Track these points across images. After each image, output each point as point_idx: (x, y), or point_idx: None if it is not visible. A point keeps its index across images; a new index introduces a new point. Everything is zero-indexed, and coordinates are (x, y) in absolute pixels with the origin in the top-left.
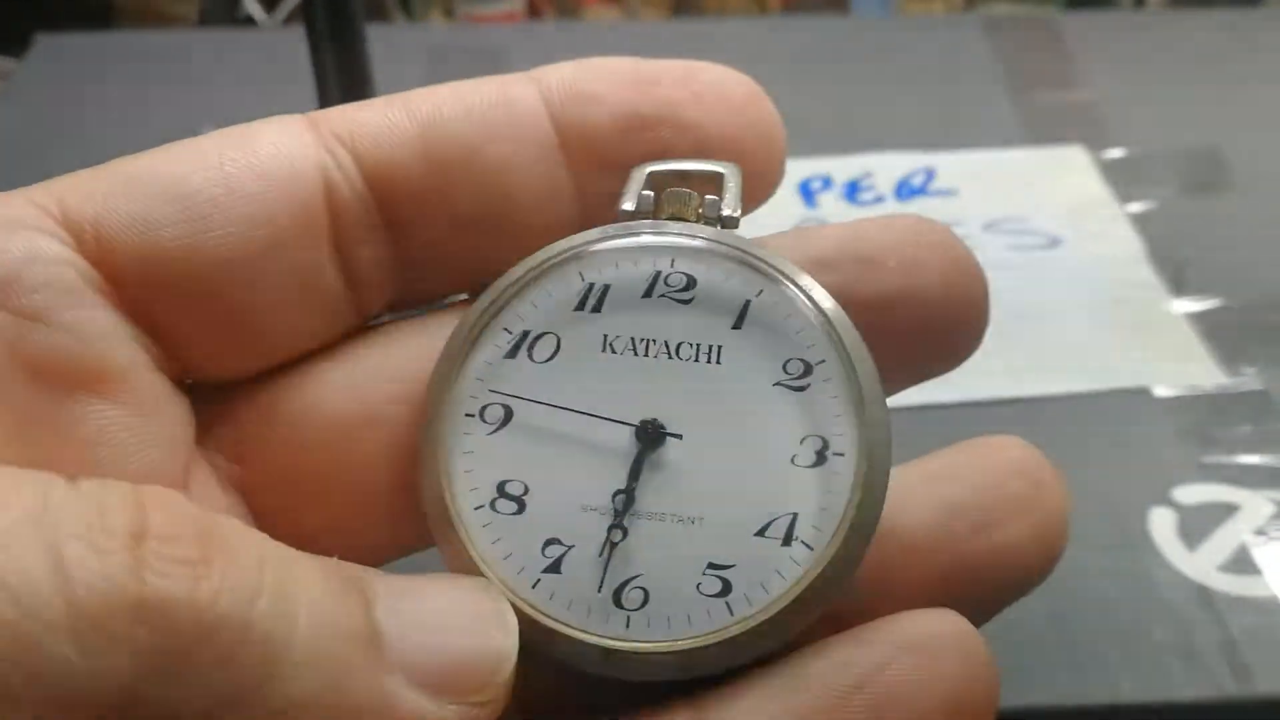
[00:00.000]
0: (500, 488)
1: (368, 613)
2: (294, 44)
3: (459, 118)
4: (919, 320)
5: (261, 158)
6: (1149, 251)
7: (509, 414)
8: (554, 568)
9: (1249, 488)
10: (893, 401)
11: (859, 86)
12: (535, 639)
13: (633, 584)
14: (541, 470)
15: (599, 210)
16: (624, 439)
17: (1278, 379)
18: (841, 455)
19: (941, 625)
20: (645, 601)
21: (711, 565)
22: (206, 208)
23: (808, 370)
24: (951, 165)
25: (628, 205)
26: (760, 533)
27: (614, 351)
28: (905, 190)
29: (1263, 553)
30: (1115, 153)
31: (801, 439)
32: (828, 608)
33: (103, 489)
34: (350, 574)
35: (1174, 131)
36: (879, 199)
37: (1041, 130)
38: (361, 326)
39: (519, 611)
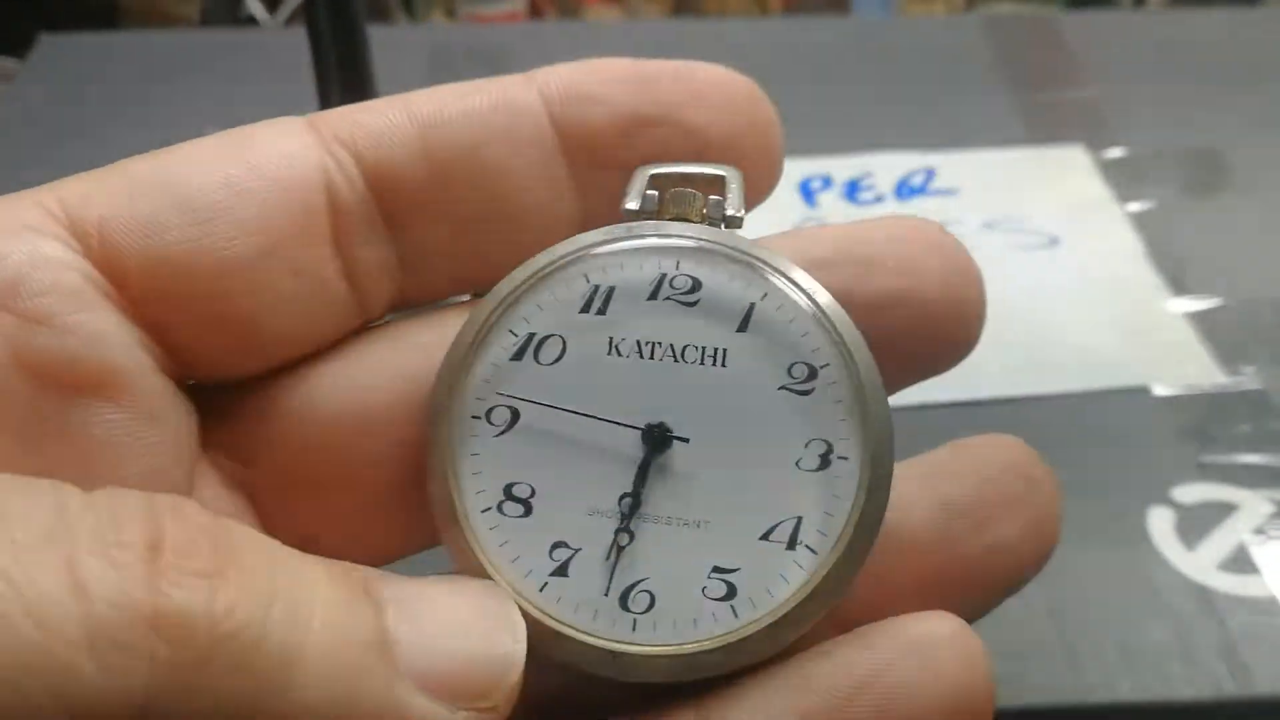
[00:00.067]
0: (507, 490)
1: (378, 618)
2: (296, 44)
3: (459, 119)
4: (917, 320)
5: (264, 160)
6: (1148, 251)
7: (515, 416)
8: (561, 571)
9: (1248, 487)
10: (892, 401)
11: (859, 86)
12: (542, 642)
13: (639, 587)
14: (548, 473)
15: (600, 210)
16: (630, 442)
17: (1276, 378)
18: (845, 459)
19: (941, 627)
20: (651, 605)
21: (717, 569)
22: (210, 211)
23: (812, 374)
24: (951, 165)
25: (632, 205)
26: (765, 536)
27: (620, 354)
28: (905, 190)
29: (1261, 552)
30: (1115, 152)
31: (806, 443)
32: (831, 610)
33: (116, 499)
34: (360, 579)
35: (1173, 131)
36: (879, 198)
37: (1041, 130)
38: (363, 327)
39: (526, 614)
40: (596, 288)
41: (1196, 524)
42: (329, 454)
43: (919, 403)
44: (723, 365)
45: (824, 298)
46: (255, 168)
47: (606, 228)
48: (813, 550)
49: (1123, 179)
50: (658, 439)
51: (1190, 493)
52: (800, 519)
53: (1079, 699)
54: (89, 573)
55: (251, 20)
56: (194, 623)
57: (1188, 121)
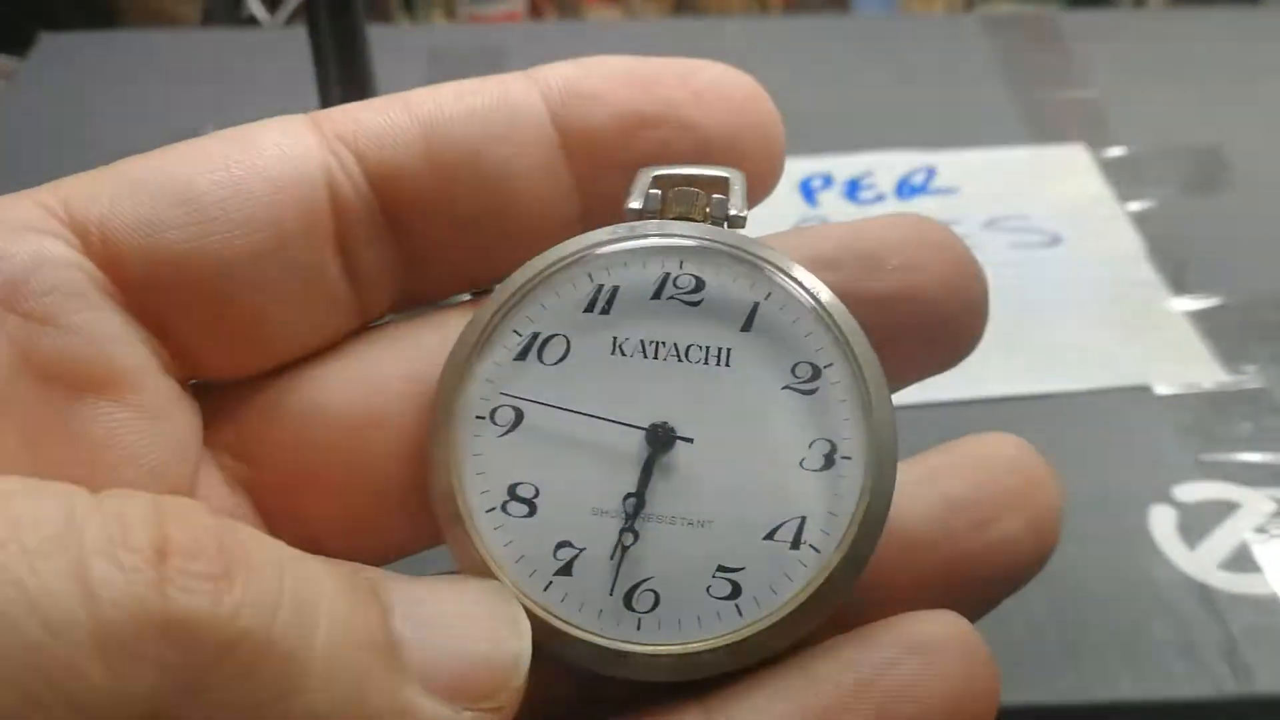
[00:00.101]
0: (511, 490)
1: (384, 620)
2: (296, 44)
3: (461, 118)
4: (919, 319)
5: (266, 159)
6: (1149, 250)
7: (519, 416)
8: (565, 570)
9: (1249, 485)
10: (894, 400)
11: (860, 85)
12: (547, 641)
13: (643, 587)
14: (552, 473)
15: (601, 209)
16: (634, 442)
17: (1278, 377)
18: (849, 459)
19: (944, 626)
20: (656, 604)
21: (721, 568)
22: (213, 210)
23: (816, 374)
24: (952, 164)
25: (635, 204)
26: (769, 536)
27: (624, 354)
28: (906, 189)
29: (1263, 550)
30: (1115, 151)
31: (810, 442)
32: (835, 610)
33: (124, 502)
34: (366, 579)
35: (1174, 130)
36: (880, 197)
37: (1042, 129)
38: (366, 326)
39: (531, 614)
40: (600, 287)
41: (1198, 522)
42: (331, 453)
43: (921, 402)
44: (726, 365)
45: (827, 296)
46: (258, 168)
47: (610, 227)
48: (817, 550)
49: (1123, 178)
50: (662, 439)
51: (1191, 491)
52: (804, 518)
53: (1080, 697)
54: (98, 577)
55: (252, 20)
56: (201, 627)
57: (1188, 120)
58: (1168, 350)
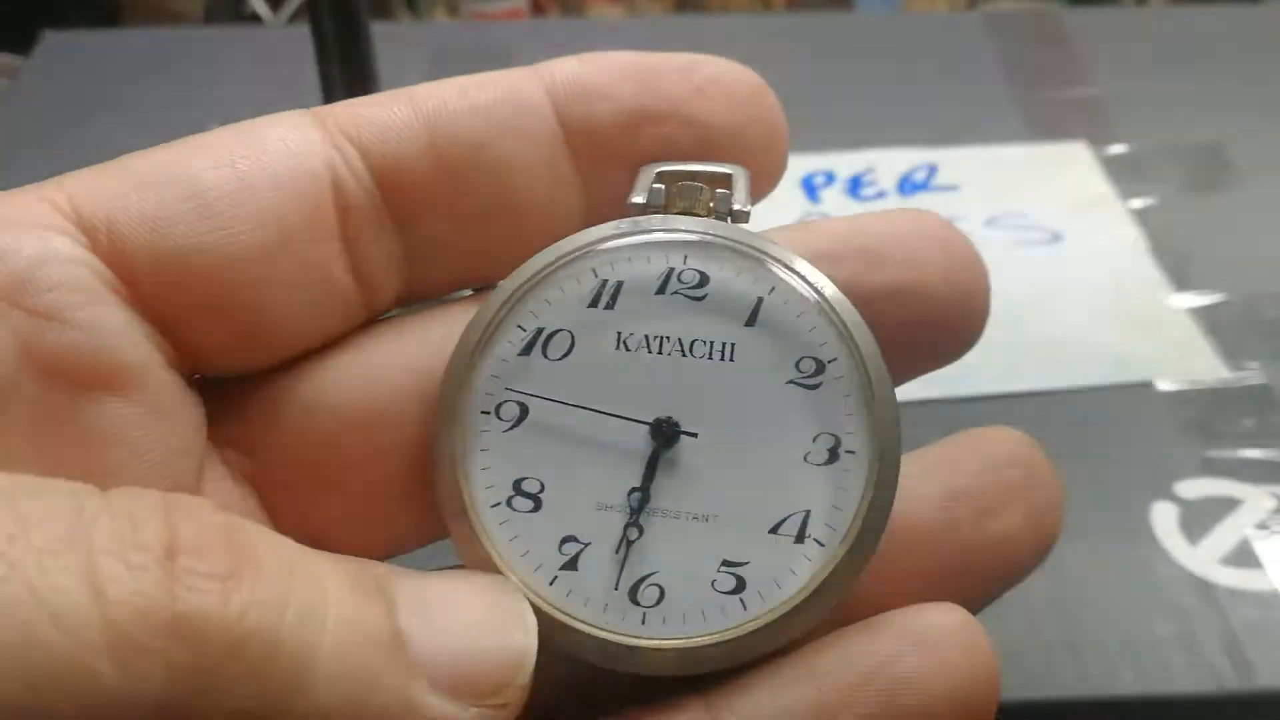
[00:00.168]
0: (517, 485)
1: (391, 617)
2: (299, 41)
3: (465, 113)
4: (921, 314)
5: (271, 155)
6: (1151, 246)
7: (524, 412)
8: (571, 565)
9: (1251, 482)
10: (897, 396)
11: (862, 82)
12: (552, 635)
13: (648, 581)
14: (557, 468)
15: (605, 204)
16: (639, 437)
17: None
18: (853, 453)
19: (946, 619)
20: (661, 598)
21: (726, 562)
22: (218, 205)
23: (820, 368)
24: (954, 161)
25: (638, 199)
26: (774, 530)
27: (628, 349)
28: (908, 185)
29: (1264, 547)
30: (1117, 148)
31: (814, 437)
32: (839, 603)
33: (133, 500)
34: (372, 576)
35: (1176, 127)
36: (881, 194)
37: (1044, 126)
38: (370, 321)
39: (536, 608)
40: (605, 282)
41: (1200, 519)
42: (336, 448)
43: (923, 398)
44: (731, 359)
45: (831, 291)
46: (263, 163)
47: (613, 222)
48: (821, 543)
49: (1125, 175)
50: (666, 433)
51: (1193, 487)
52: (808, 512)
53: (1082, 693)
54: (107, 575)
55: (255, 17)
56: (210, 626)
57: (1190, 117)
58: (1170, 347)
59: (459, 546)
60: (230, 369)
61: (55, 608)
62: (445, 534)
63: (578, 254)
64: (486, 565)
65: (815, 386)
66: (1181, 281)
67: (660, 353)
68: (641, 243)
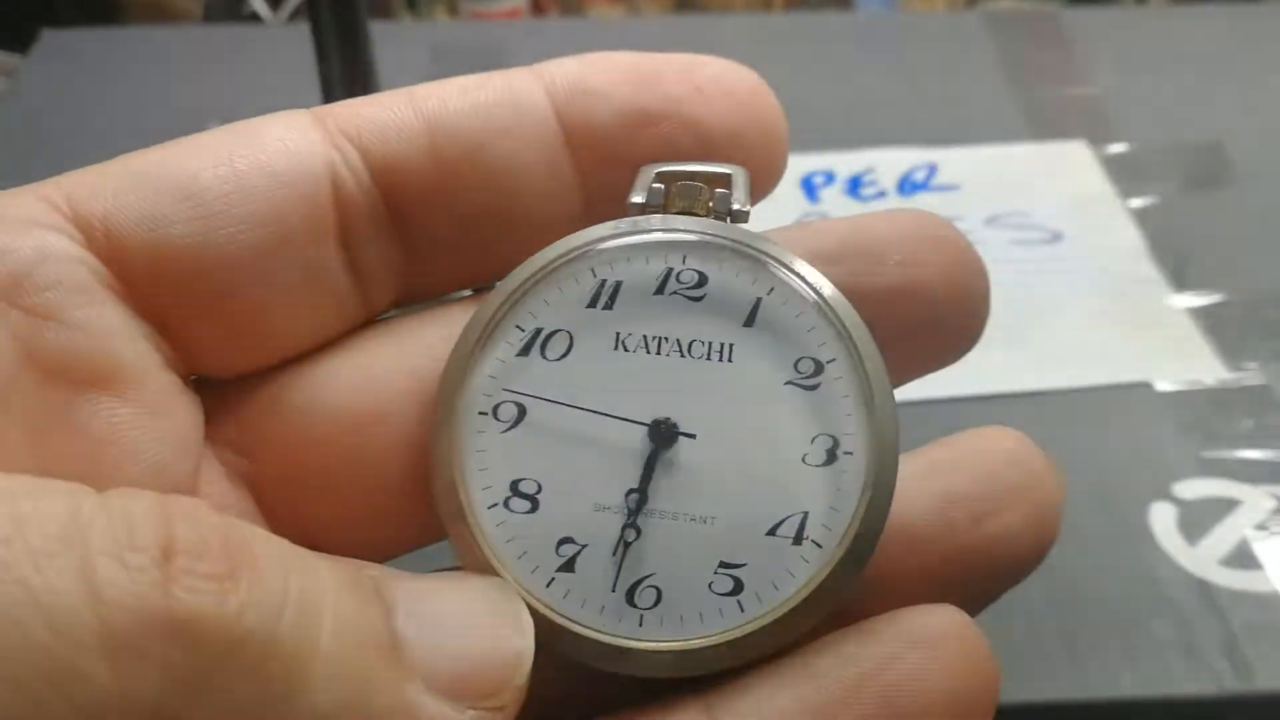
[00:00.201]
0: (514, 487)
1: (388, 619)
2: (299, 41)
3: (465, 113)
4: (920, 314)
5: (270, 154)
6: (1150, 246)
7: (522, 412)
8: (568, 567)
9: (1250, 482)
10: (896, 396)
11: (862, 82)
12: (549, 638)
13: (646, 583)
14: (555, 469)
15: (604, 204)
16: (637, 438)
17: (1278, 373)
18: (851, 454)
19: (945, 620)
20: (658, 600)
21: (723, 564)
22: (217, 205)
23: (819, 369)
24: (953, 160)
25: (637, 199)
26: (771, 532)
27: (626, 349)
28: (907, 185)
29: (1263, 547)
30: (1117, 148)
31: (812, 438)
32: (837, 605)
33: (130, 501)
34: (370, 578)
35: (1175, 126)
36: (881, 194)
37: (1043, 125)
38: (368, 322)
39: (533, 610)
40: (603, 282)
41: (1199, 519)
42: (333, 449)
43: (922, 398)
44: (729, 360)
45: (830, 291)
46: (262, 163)
47: (612, 222)
48: (819, 545)
49: (1124, 174)
50: (664, 435)
51: (1192, 488)
52: (806, 514)
53: (1081, 694)
54: (103, 576)
55: (254, 17)
56: (207, 628)
57: (1189, 117)
58: (1169, 347)
59: (456, 548)
60: (227, 369)
61: (51, 609)
62: (443, 535)
63: (576, 254)
64: (484, 567)
65: (814, 387)
66: (1181, 281)
67: (659, 353)
68: (640, 243)
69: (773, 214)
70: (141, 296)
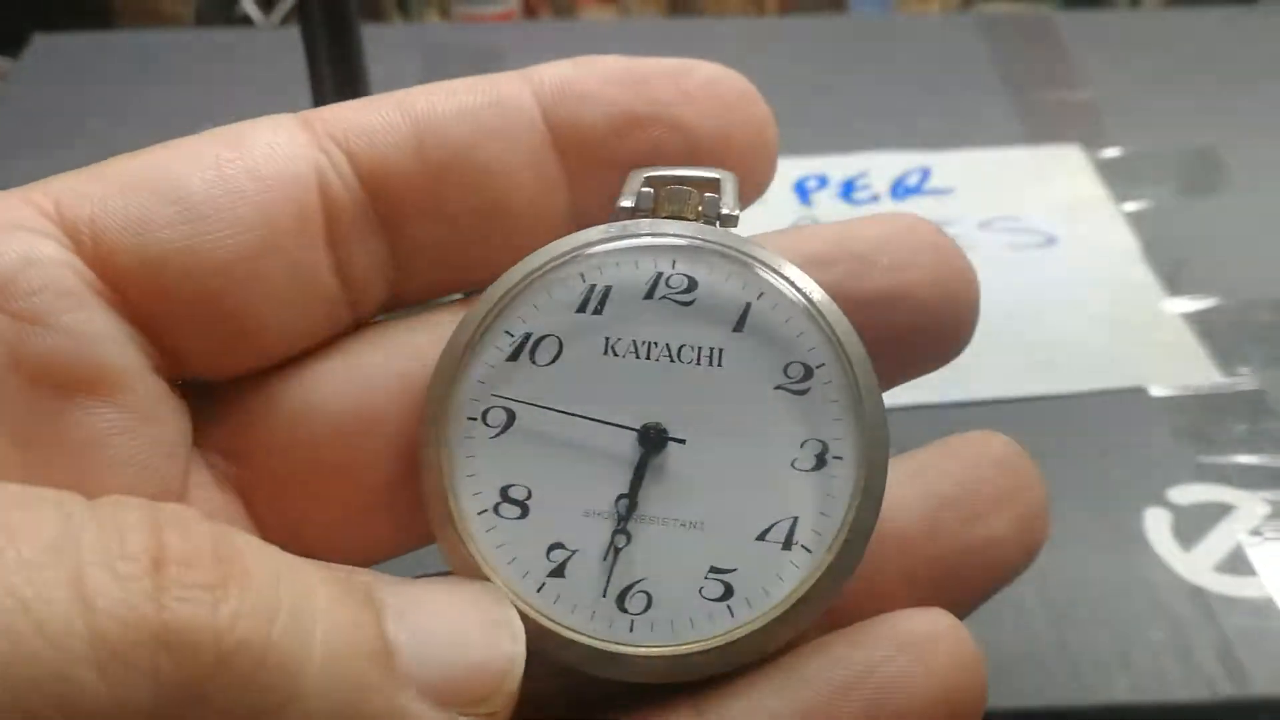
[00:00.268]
0: (504, 492)
1: (379, 626)
2: (290, 44)
3: (453, 117)
4: (909, 319)
5: (258, 158)
6: (1145, 250)
7: (511, 418)
8: (558, 572)
9: (1244, 488)
10: (886, 401)
11: (855, 85)
12: (540, 643)
13: (636, 588)
14: (545, 475)
15: (593, 209)
16: (626, 443)
17: (1273, 379)
18: (841, 459)
19: (933, 624)
20: (649, 605)
21: (713, 569)
22: (204, 209)
23: (808, 374)
24: (947, 164)
25: (626, 203)
26: (761, 537)
27: (616, 354)
28: (901, 189)
29: (1258, 553)
30: (1111, 152)
31: (802, 443)
32: (827, 609)
33: (120, 509)
34: (361, 584)
35: (1170, 131)
36: (874, 198)
37: (1037, 129)
38: (357, 326)
39: (524, 616)
40: (593, 287)
41: (1193, 525)
42: (322, 453)
43: (914, 403)
44: (719, 365)
45: (819, 296)
46: (250, 167)
47: (602, 226)
48: (808, 550)
49: (1119, 178)
50: (654, 440)
51: (1187, 493)
52: (796, 519)
53: (1075, 700)
54: (94, 586)
55: (246, 20)
56: (198, 637)
57: (1184, 121)
58: (1163, 352)
59: (446, 553)
60: (215, 373)
61: (42, 619)
62: (433, 540)
63: (566, 258)
64: (474, 572)
65: (803, 392)
66: (1175, 286)
67: (648, 358)
68: (630, 247)
69: (765, 218)
70: (129, 301)
